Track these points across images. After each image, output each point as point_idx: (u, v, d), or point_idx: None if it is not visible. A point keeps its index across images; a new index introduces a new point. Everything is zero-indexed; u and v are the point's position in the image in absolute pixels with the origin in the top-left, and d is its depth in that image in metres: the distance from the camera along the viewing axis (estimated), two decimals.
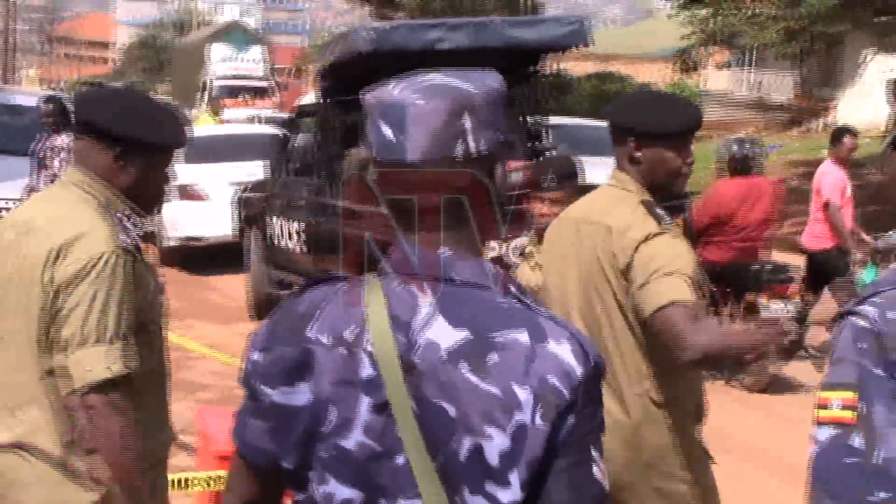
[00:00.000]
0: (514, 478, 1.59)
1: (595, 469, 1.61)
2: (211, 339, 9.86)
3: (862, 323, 1.81)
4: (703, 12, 29.34)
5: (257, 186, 11.37)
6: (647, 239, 3.18)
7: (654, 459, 3.27)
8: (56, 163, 9.83)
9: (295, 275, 10.19)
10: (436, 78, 1.71)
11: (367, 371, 1.66)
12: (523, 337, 1.62)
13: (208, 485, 4.36)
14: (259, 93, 34.91)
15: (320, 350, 1.69)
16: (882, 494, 1.59)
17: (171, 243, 14.00)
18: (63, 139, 9.92)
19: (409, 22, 10.37)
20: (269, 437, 1.73)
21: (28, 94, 15.81)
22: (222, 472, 3.61)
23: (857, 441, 1.66)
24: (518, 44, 9.17)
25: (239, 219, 11.59)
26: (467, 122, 1.69)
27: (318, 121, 10.26)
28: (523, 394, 1.57)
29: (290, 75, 55.93)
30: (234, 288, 12.03)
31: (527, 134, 9.89)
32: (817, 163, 11.22)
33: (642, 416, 3.24)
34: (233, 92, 34.15)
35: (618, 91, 32.63)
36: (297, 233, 9.65)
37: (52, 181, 9.71)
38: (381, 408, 1.64)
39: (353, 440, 1.66)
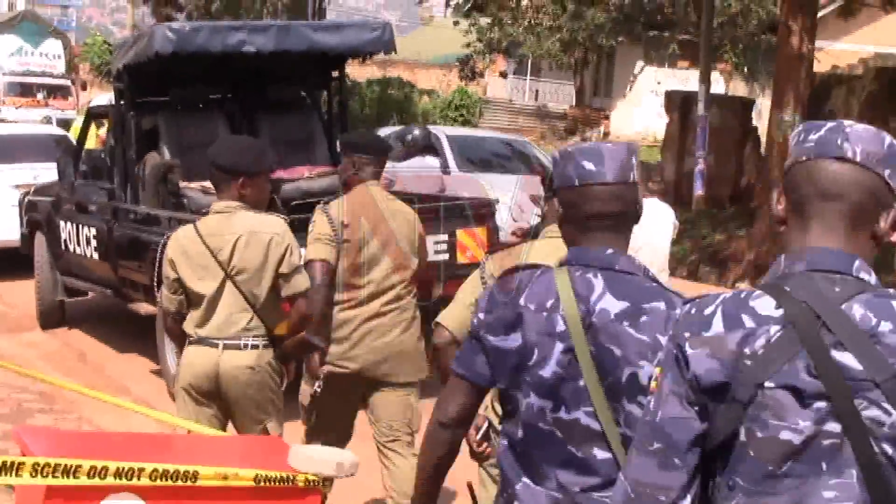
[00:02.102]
0: None
1: None
2: None
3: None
4: (484, 21, 29.97)
5: (44, 189, 10.89)
6: None
7: None
8: None
9: (87, 281, 9.81)
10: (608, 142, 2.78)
11: (559, 327, 2.62)
12: (661, 305, 2.60)
13: None
14: (57, 91, 32.29)
15: (527, 313, 2.66)
16: (657, 445, 2.12)
17: None
18: None
19: (211, 24, 10.13)
20: (489, 367, 2.72)
21: None
22: None
23: (650, 404, 2.17)
24: (322, 48, 9.11)
25: (24, 223, 11.07)
26: (634, 159, 2.73)
27: (112, 123, 9.91)
28: (664, 340, 2.29)
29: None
30: (17, 295, 11.51)
31: (329, 139, 9.83)
32: None
33: None
34: (25, 90, 31.69)
35: (401, 97, 32.91)
36: (91, 238, 9.29)
37: None
38: (568, 350, 2.61)
39: (549, 370, 2.63)
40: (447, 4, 31.53)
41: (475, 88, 36.17)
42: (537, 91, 40.06)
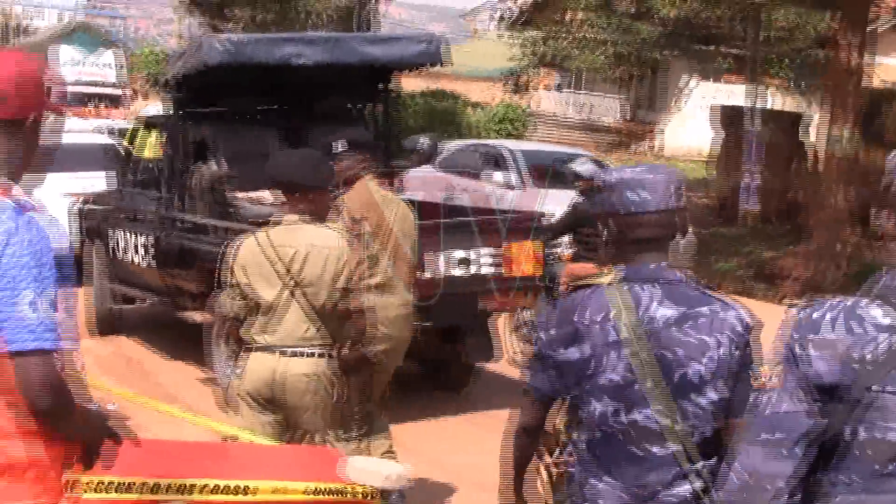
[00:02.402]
0: (711, 389, 2.89)
1: (752, 380, 2.59)
2: None
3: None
4: (533, 35, 29.94)
5: (97, 198, 11.00)
6: None
7: None
8: None
9: (139, 290, 9.89)
10: (651, 165, 3.21)
11: (615, 336, 2.91)
12: (706, 310, 2.91)
13: None
14: (111, 101, 32.17)
15: (584, 327, 2.94)
16: (770, 436, 2.29)
17: None
18: None
19: (261, 35, 10.20)
20: (557, 380, 3.03)
21: None
22: None
23: (766, 399, 2.35)
24: (371, 61, 9.13)
25: (78, 232, 11.18)
26: (675, 186, 3.00)
27: (163, 133, 9.99)
28: (714, 339, 2.84)
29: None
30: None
31: (381, 151, 9.85)
32: None
33: None
34: (81, 99, 31.33)
35: (449, 109, 32.93)
36: (143, 247, 9.37)
37: None
38: (626, 358, 2.89)
39: (610, 377, 2.91)
40: (501, 18, 31.57)
41: (522, 102, 36.12)
42: (585, 105, 39.94)
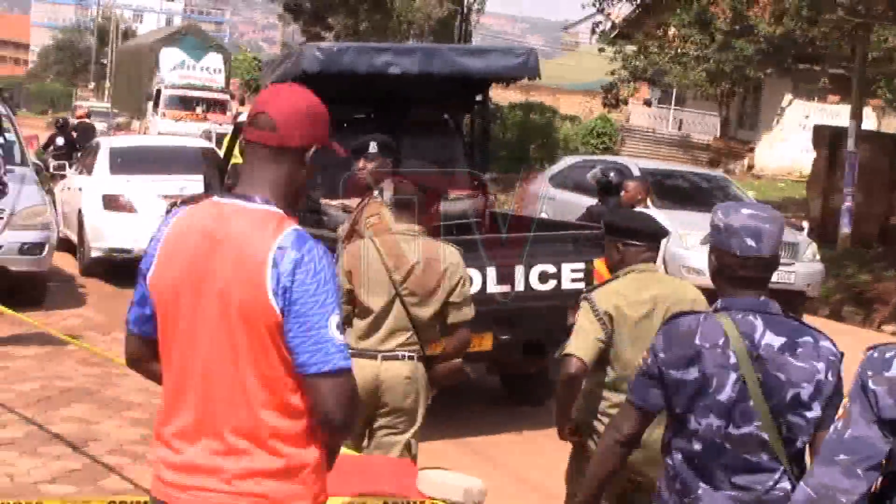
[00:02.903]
0: (816, 405, 3.26)
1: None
2: None
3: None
4: (629, 49, 29.73)
5: (192, 201, 11.12)
6: None
7: None
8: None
9: None
10: (763, 208, 3.46)
11: (731, 360, 3.27)
12: (810, 339, 3.31)
13: None
14: (216, 106, 31.28)
15: (704, 350, 3.29)
16: (843, 457, 2.72)
17: (95, 254, 13.69)
18: None
19: (358, 45, 10.26)
20: (663, 397, 3.36)
21: None
22: None
23: (839, 426, 2.79)
24: (466, 72, 9.14)
25: None
26: (782, 233, 3.41)
27: None
28: (818, 365, 3.26)
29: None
30: None
31: (470, 162, 9.85)
32: None
33: None
34: (186, 103, 30.78)
35: (543, 122, 32.85)
36: None
37: None
38: (739, 378, 3.26)
39: (725, 395, 3.27)
40: (593, 31, 31.41)
41: (617, 116, 35.92)
42: (681, 121, 39.58)
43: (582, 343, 4.39)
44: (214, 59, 34.73)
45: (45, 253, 11.44)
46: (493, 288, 7.59)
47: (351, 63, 8.74)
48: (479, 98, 10.08)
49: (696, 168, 19.53)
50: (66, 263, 14.31)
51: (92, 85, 74.17)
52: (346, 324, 5.08)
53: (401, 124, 9.82)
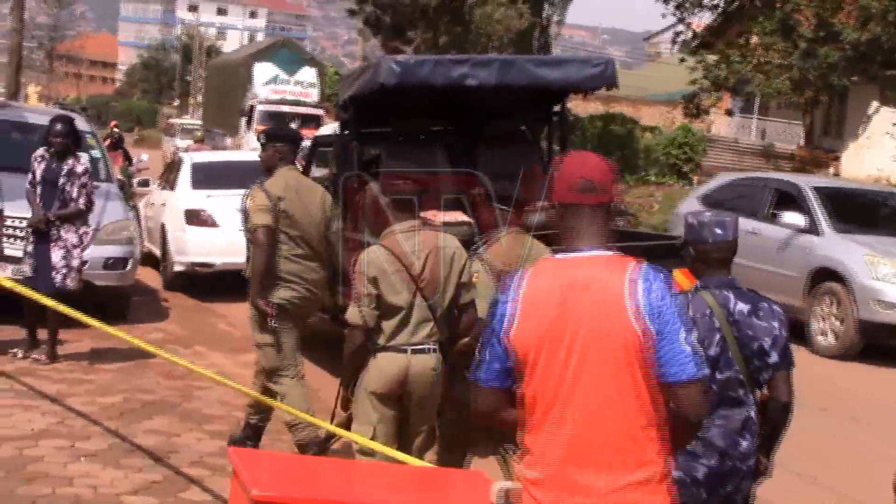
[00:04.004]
0: (774, 353, 4.57)
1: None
2: (218, 368, 9.70)
3: None
4: (711, 59, 29.42)
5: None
6: None
7: None
8: (74, 190, 9.56)
9: None
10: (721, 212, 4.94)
11: (716, 324, 4.49)
12: (766, 304, 4.61)
13: None
14: (310, 121, 29.71)
15: (696, 319, 4.38)
16: None
17: (178, 268, 13.86)
18: (80, 165, 9.65)
19: (435, 57, 10.28)
20: None
21: (37, 111, 15.58)
22: None
23: None
24: (543, 83, 9.09)
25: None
26: (736, 224, 4.76)
27: (335, 152, 10.13)
28: (774, 324, 4.57)
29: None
30: (239, 317, 11.88)
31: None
32: None
33: None
34: (279, 119, 28.68)
35: (624, 132, 32.62)
36: None
37: (64, 206, 9.52)
38: (721, 338, 4.49)
39: (713, 350, 4.41)
40: (674, 41, 31.15)
41: (699, 126, 35.54)
42: (764, 130, 39.06)
43: None
44: (308, 74, 34.01)
45: (128, 267, 11.58)
46: None
47: (428, 75, 8.74)
48: (556, 109, 10.02)
49: (879, 187, 18.03)
50: (150, 278, 14.51)
51: (177, 102, 75.38)
52: (371, 325, 5.39)
53: (478, 136, 9.80)
